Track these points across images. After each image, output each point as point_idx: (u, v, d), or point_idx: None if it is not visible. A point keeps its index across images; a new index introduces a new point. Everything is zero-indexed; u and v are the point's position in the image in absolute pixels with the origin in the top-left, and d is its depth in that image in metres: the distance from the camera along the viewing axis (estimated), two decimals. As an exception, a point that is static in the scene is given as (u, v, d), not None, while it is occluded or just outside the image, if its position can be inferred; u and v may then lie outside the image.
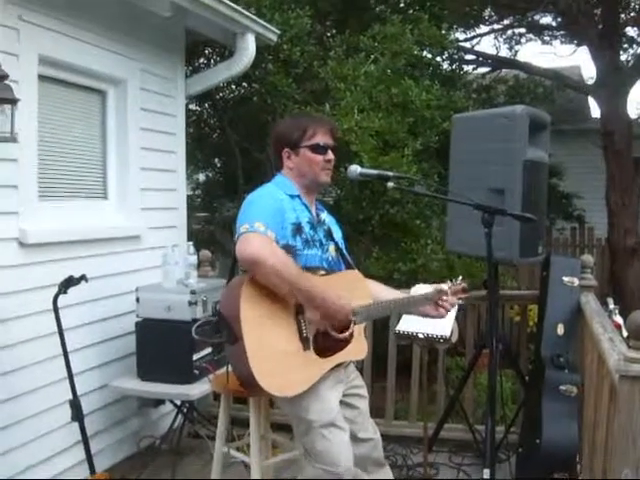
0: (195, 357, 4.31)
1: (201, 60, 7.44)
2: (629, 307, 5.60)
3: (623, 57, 11.14)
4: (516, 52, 12.70)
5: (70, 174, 4.40)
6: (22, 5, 3.74)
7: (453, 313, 3.91)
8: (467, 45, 11.75)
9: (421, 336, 3.92)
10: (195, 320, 4.26)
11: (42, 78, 3.99)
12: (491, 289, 3.21)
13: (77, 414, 3.57)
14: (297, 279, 2.72)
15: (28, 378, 3.86)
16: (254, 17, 5.12)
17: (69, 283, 3.63)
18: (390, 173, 3.05)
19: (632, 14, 10.63)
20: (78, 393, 3.63)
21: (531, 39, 12.74)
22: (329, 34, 7.60)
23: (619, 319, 4.72)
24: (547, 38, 12.67)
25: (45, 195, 4.09)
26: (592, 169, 11.78)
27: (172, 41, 5.25)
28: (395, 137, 6.11)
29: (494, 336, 3.10)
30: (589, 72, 15.29)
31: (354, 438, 3.00)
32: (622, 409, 2.56)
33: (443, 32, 7.16)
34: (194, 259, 4.68)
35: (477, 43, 12.41)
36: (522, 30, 12.54)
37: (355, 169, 3.05)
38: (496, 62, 12.06)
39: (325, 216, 3.19)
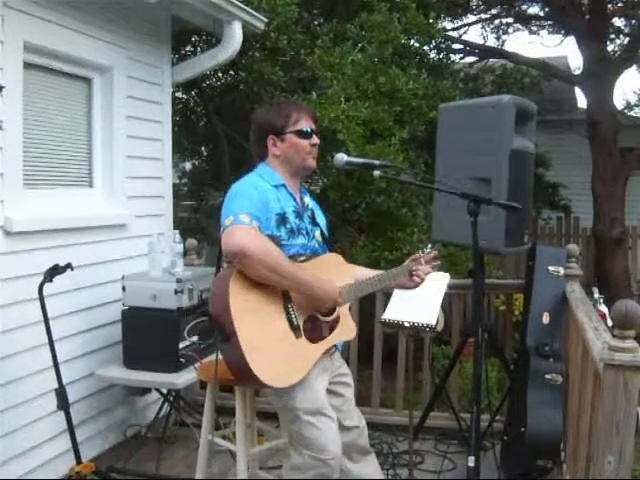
0: (181, 345, 4.31)
1: (188, 48, 7.40)
2: (614, 296, 5.64)
3: (610, 47, 11.21)
4: (503, 42, 12.73)
5: (55, 162, 4.38)
6: (7, -9, 3.71)
7: (439, 302, 3.93)
8: (454, 34, 11.77)
9: (407, 325, 3.93)
10: (181, 309, 4.27)
11: (27, 65, 3.96)
12: (477, 278, 3.22)
13: (63, 403, 3.56)
14: (283, 267, 2.73)
15: (13, 367, 3.85)
16: (241, 5, 5.10)
17: (54, 271, 3.62)
18: (377, 162, 3.04)
19: (619, 4, 10.66)
20: (64, 382, 3.62)
21: (518, 29, 12.75)
22: (316, 22, 7.57)
23: (604, 308, 4.75)
24: (534, 28, 12.70)
25: (30, 183, 4.07)
26: (578, 159, 11.81)
27: (159, 29, 5.22)
28: (382, 126, 6.11)
29: (480, 325, 3.11)
30: (576, 62, 15.37)
31: (340, 426, 3.01)
32: (606, 397, 2.58)
33: (430, 21, 7.16)
34: (180, 247, 4.68)
35: (464, 32, 12.45)
36: (509, 20, 12.55)
37: (342, 158, 3.05)
38: (483, 52, 12.06)
39: (308, 200, 3.20)
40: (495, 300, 7.75)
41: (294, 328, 2.83)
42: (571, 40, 10.89)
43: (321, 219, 3.23)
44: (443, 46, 9.10)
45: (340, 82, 6.09)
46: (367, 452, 3.25)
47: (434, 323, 3.89)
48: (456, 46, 11.50)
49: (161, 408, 4.82)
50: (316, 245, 3.09)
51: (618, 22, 11.26)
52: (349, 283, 3.08)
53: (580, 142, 10.91)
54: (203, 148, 8.78)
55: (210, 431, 3.55)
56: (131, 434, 4.88)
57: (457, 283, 4.69)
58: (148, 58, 5.07)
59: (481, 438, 4.21)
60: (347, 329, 3.11)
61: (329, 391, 3.04)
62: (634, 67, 11.73)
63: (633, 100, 14.50)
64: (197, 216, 8.45)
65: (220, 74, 7.59)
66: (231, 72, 7.39)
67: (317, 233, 3.13)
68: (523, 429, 3.91)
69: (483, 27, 12.77)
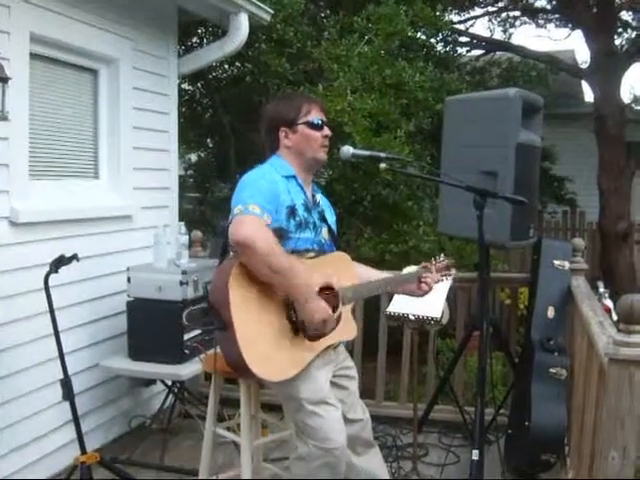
0: (186, 337, 4.32)
1: (194, 39, 7.40)
2: (619, 291, 5.63)
3: (617, 41, 11.14)
4: (510, 35, 12.69)
5: (61, 153, 4.39)
6: (13, -18, 3.71)
7: (444, 295, 3.92)
8: (461, 27, 11.72)
9: (412, 317, 3.93)
10: (186, 300, 4.27)
11: (34, 56, 3.97)
12: (482, 271, 3.22)
13: (68, 393, 3.56)
14: (284, 270, 2.69)
15: (19, 357, 3.86)
16: (247, -4, 5.10)
17: (60, 262, 3.61)
18: (383, 154, 3.03)
19: (627, -2, 10.61)
20: (69, 372, 3.62)
21: (525, 22, 12.72)
22: (323, 14, 7.56)
23: (609, 303, 4.75)
24: (541, 21, 12.66)
25: (36, 174, 4.08)
26: (584, 153, 11.79)
27: (165, 20, 5.21)
28: (388, 118, 6.10)
29: (485, 318, 3.10)
30: (583, 56, 15.31)
31: (344, 419, 3.00)
32: (611, 392, 2.57)
33: (437, 14, 7.15)
34: (185, 239, 4.68)
35: (471, 25, 12.41)
36: (516, 13, 12.52)
37: (348, 150, 3.04)
38: (490, 45, 12.02)
39: (320, 198, 3.19)
40: (500, 294, 7.74)
41: (293, 324, 2.82)
42: (578, 34, 10.84)
43: (330, 217, 3.21)
44: (450, 39, 9.12)
45: (346, 74, 6.08)
46: (371, 445, 3.25)
47: (439, 316, 3.89)
48: (463, 39, 11.49)
49: (166, 399, 4.82)
50: (322, 241, 3.07)
51: (626, 16, 11.22)
52: (354, 284, 3.06)
53: (586, 136, 10.87)
54: (209, 140, 8.78)
55: (214, 422, 3.56)
56: (135, 425, 4.89)
57: (462, 276, 4.69)
58: (154, 49, 5.06)
59: (485, 432, 4.22)
60: (348, 329, 3.09)
61: (333, 384, 3.04)
62: (641, 61, 11.67)
63: (640, 94, 14.45)
64: (202, 208, 8.46)
65: (226, 66, 7.59)
66: (237, 64, 7.39)
67: (324, 230, 3.10)
68: (527, 423, 3.91)
69: (490, 20, 12.74)
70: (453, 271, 3.52)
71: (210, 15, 5.34)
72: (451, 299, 4.17)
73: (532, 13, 12.35)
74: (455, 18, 11.26)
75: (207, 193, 8.70)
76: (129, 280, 4.40)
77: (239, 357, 2.65)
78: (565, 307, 4.27)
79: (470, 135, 4.16)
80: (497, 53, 11.93)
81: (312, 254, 2.97)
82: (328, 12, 7.51)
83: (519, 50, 11.16)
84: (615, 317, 3.00)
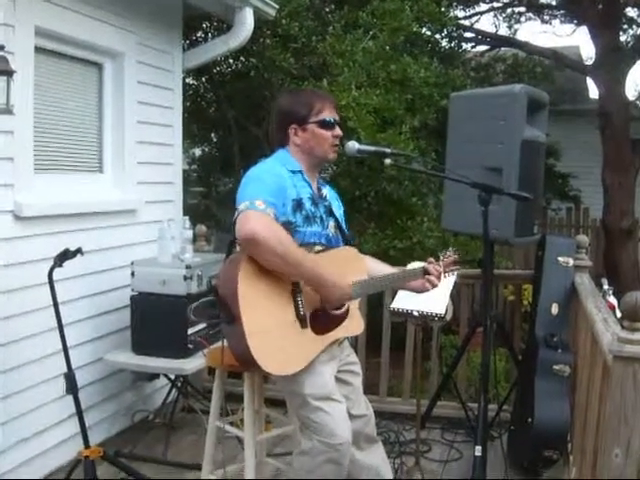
0: (190, 331, 4.32)
1: (199, 34, 7.40)
2: (623, 288, 5.62)
3: (622, 38, 11.12)
4: (515, 31, 12.71)
5: (66, 147, 4.38)
6: (19, -25, 3.70)
7: (448, 291, 3.92)
8: (466, 23, 11.71)
9: (416, 314, 3.92)
10: (190, 295, 4.27)
11: (38, 50, 3.96)
12: (486, 268, 3.22)
13: (71, 387, 3.57)
14: (296, 258, 2.70)
15: (23, 351, 3.87)
16: (253, -9, 5.09)
17: (65, 256, 3.61)
18: (388, 150, 3.03)
19: (632, -6, 10.58)
20: (72, 366, 3.63)
21: (530, 18, 12.70)
22: (328, 9, 7.55)
23: (613, 300, 4.74)
24: (547, 17, 12.64)
25: (41, 168, 4.08)
26: (589, 150, 11.77)
27: (170, 14, 5.21)
28: (393, 114, 6.10)
29: (488, 315, 3.11)
30: (588, 52, 15.22)
31: (347, 414, 3.01)
32: (615, 389, 2.57)
33: (442, 9, 7.12)
34: (190, 234, 4.68)
35: (476, 21, 12.40)
36: (522, 9, 12.50)
37: (353, 145, 3.03)
38: (495, 40, 12.02)
39: (327, 191, 3.17)
40: (504, 290, 7.74)
41: (300, 318, 2.81)
42: (583, 30, 10.84)
43: (338, 209, 3.20)
44: (455, 34, 9.08)
45: (351, 70, 6.07)
46: (374, 440, 3.25)
47: (443, 312, 3.88)
48: (468, 35, 11.48)
49: (169, 394, 4.84)
50: (330, 234, 3.06)
51: (631, 12, 11.18)
52: (361, 279, 3.04)
53: (591, 133, 10.86)
54: (213, 134, 8.79)
55: (218, 417, 3.56)
56: (139, 419, 4.90)
57: (466, 273, 4.68)
58: (159, 44, 5.06)
59: (488, 428, 4.21)
60: (355, 324, 3.09)
61: (337, 379, 3.03)
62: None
63: (645, 91, 14.42)
64: (206, 202, 8.47)
65: (231, 60, 7.59)
66: (242, 59, 7.39)
67: (331, 224, 3.09)
68: (530, 419, 3.91)
69: (495, 16, 12.74)
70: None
71: (215, 9, 5.34)
72: (455, 295, 4.16)
73: (537, 9, 12.33)
74: (460, 14, 11.26)
75: (211, 187, 8.71)
76: (133, 274, 4.40)
77: (246, 350, 2.65)
78: (569, 304, 4.27)
79: (475, 131, 4.15)
80: (502, 49, 11.93)
81: (319, 247, 2.96)
82: (333, 7, 7.50)
83: (524, 46, 11.15)
84: (619, 314, 2.99)
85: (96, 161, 4.67)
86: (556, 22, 12.65)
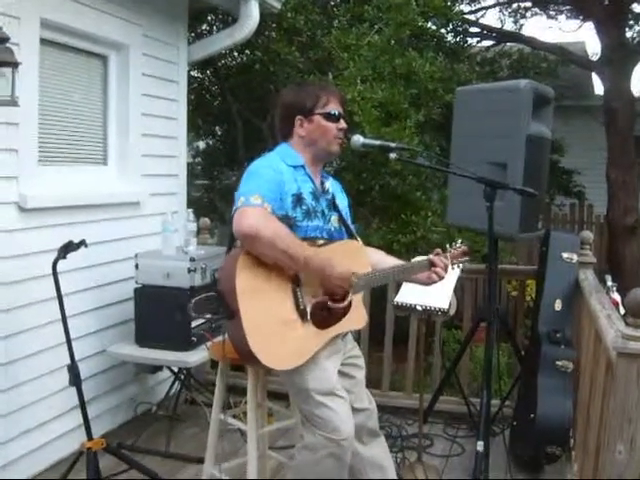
0: (193, 324, 4.33)
1: (204, 27, 7.39)
2: (627, 284, 5.61)
3: (628, 34, 11.07)
4: (521, 26, 12.67)
5: (70, 139, 4.38)
6: (24, -34, 3.70)
7: (451, 286, 3.92)
8: (472, 18, 11.68)
9: (419, 308, 3.92)
10: (194, 287, 4.27)
11: (44, 42, 3.96)
12: (491, 263, 3.21)
13: (75, 379, 3.57)
14: (293, 248, 2.70)
15: (26, 343, 3.88)
16: (258, -16, 5.08)
17: (68, 248, 3.61)
18: (393, 144, 3.02)
19: (639, -10, 10.54)
20: (76, 358, 3.63)
21: (536, 13, 12.67)
22: (333, 3, 7.53)
23: (617, 296, 4.72)
24: (552, 13, 12.61)
25: (45, 160, 4.08)
26: (593, 146, 11.75)
27: (175, 7, 5.20)
28: (397, 108, 6.08)
29: (493, 310, 3.10)
30: (594, 48, 15.21)
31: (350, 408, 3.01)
32: (618, 386, 2.57)
33: (448, 4, 7.10)
34: (194, 226, 4.69)
35: (482, 16, 12.38)
36: (527, 4, 12.48)
37: (358, 139, 3.03)
38: (500, 36, 11.98)
39: (330, 185, 3.16)
40: (507, 286, 7.73)
41: (300, 312, 2.81)
42: (589, 25, 10.81)
43: (342, 202, 3.19)
44: (460, 29, 9.07)
45: (356, 63, 6.06)
46: (376, 434, 3.25)
47: (447, 307, 3.88)
48: (473, 29, 11.43)
49: (172, 386, 4.84)
50: (332, 229, 3.05)
51: (637, 8, 11.13)
52: (365, 272, 3.02)
53: (596, 129, 10.84)
54: (217, 127, 8.78)
55: (221, 410, 3.56)
56: (141, 411, 4.91)
57: (469, 267, 4.68)
58: (164, 36, 5.05)
59: (490, 423, 4.22)
60: (358, 318, 3.08)
61: (340, 373, 3.04)
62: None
63: (651, 88, 14.39)
64: (210, 195, 8.46)
65: (236, 53, 7.59)
66: (247, 52, 7.38)
67: (334, 218, 3.08)
68: (533, 415, 3.91)
69: (501, 11, 12.71)
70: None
71: (220, 2, 5.33)
72: (458, 290, 4.16)
73: (543, 4, 12.30)
74: (466, 8, 11.25)
75: (215, 180, 8.70)
76: (137, 267, 4.41)
77: (246, 345, 2.65)
78: (572, 300, 4.26)
79: (480, 126, 4.14)
80: (507, 44, 11.89)
81: (321, 242, 2.96)
82: (338, 1, 7.48)
83: (530, 41, 11.11)
84: (623, 311, 2.99)
85: (100, 153, 4.67)
86: (562, 18, 12.63)
